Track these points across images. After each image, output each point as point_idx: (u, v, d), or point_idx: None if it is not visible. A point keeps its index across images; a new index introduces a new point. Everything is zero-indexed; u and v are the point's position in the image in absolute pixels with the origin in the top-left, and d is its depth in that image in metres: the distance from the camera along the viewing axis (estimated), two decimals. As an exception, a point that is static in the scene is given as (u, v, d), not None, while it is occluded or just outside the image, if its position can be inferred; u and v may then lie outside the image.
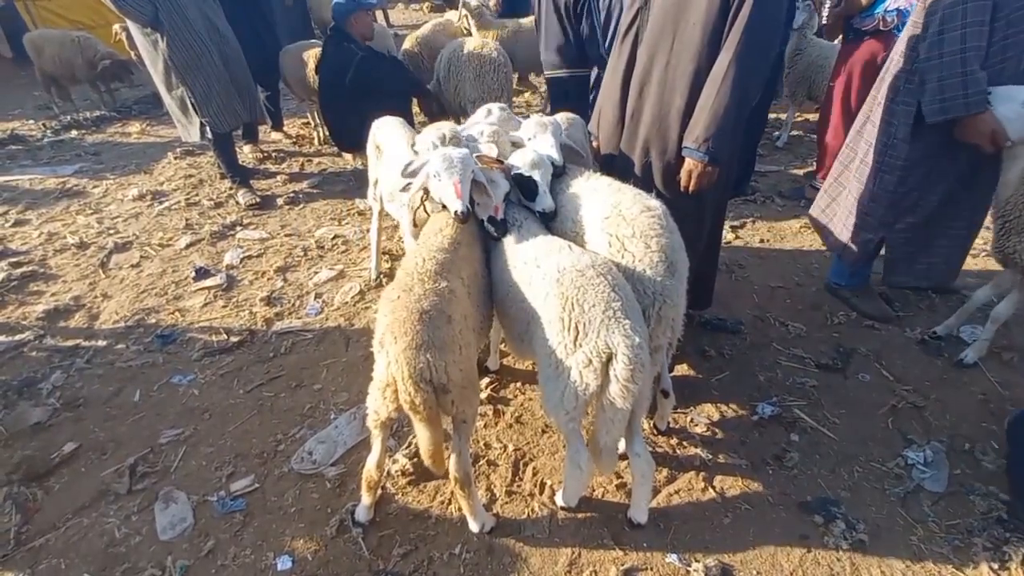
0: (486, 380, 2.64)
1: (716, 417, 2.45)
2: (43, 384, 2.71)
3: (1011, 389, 2.55)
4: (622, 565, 1.87)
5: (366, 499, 1.98)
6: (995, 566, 1.84)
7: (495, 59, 4.24)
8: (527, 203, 2.19)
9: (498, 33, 5.58)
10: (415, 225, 2.34)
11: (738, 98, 2.06)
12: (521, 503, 2.09)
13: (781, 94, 5.26)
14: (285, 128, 6.06)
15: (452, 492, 2.00)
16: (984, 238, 2.84)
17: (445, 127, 2.43)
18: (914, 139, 2.48)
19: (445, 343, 1.61)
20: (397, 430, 2.37)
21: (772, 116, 5.46)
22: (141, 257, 3.83)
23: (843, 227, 2.84)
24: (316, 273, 3.57)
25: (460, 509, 1.98)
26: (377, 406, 1.73)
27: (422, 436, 1.71)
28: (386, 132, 2.94)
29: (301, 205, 4.54)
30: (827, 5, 4.95)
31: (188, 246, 3.93)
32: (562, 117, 2.64)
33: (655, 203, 1.98)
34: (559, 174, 2.26)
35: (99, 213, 4.47)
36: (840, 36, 4.01)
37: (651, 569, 1.86)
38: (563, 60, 4.07)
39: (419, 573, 1.86)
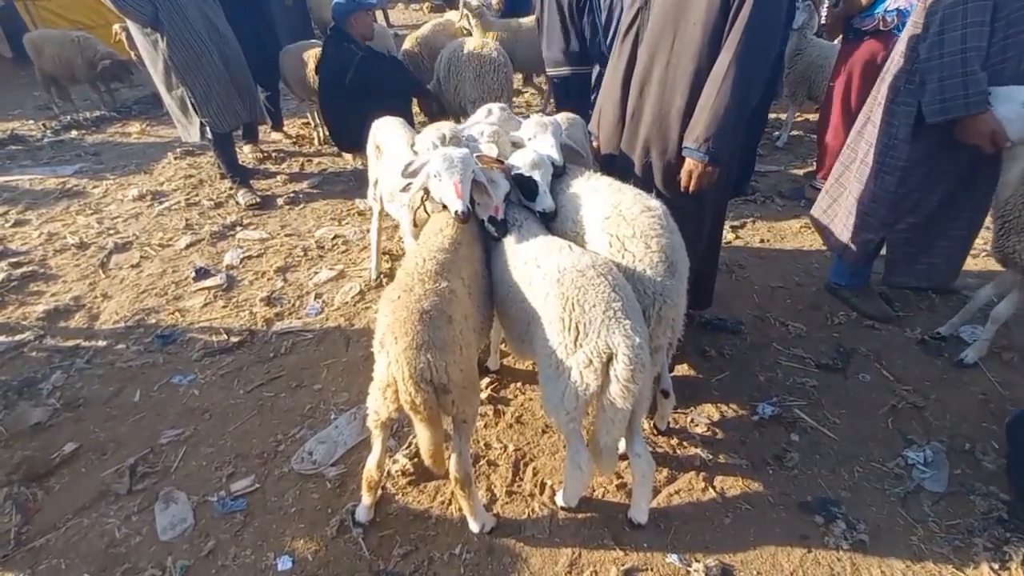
0: (486, 380, 2.64)
1: (716, 417, 2.45)
2: (43, 384, 2.71)
3: (1011, 389, 2.55)
4: (622, 565, 1.87)
5: (366, 499, 1.98)
6: (995, 566, 1.84)
7: (495, 59, 4.24)
8: (527, 203, 2.19)
9: (498, 33, 5.58)
10: (415, 225, 2.34)
11: (738, 98, 2.06)
12: (521, 503, 2.09)
13: (781, 94, 5.26)
14: (285, 128, 6.06)
15: (452, 492, 2.00)
16: (984, 238, 2.84)
17: (445, 127, 2.43)
18: (914, 139, 2.48)
19: (446, 343, 1.61)
20: (397, 430, 2.37)
21: (772, 116, 5.46)
22: (141, 257, 3.83)
23: (844, 227, 2.84)
24: (316, 273, 3.57)
25: (460, 509, 1.98)
26: (377, 406, 1.73)
27: (422, 436, 1.71)
28: (386, 132, 2.94)
29: (301, 205, 4.54)
30: (826, 4, 4.96)
31: (188, 246, 3.93)
32: (562, 117, 2.64)
33: (655, 203, 1.98)
34: (559, 174, 2.26)
35: (99, 213, 4.47)
36: (840, 36, 4.01)
37: (651, 569, 1.86)
38: (565, 58, 4.08)
39: (419, 573, 1.86)
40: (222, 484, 2.20)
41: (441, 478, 2.10)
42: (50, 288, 3.50)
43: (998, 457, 2.22)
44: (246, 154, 5.40)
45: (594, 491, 2.13)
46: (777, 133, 5.59)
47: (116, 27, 6.62)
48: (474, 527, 1.96)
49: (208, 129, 4.26)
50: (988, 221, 2.55)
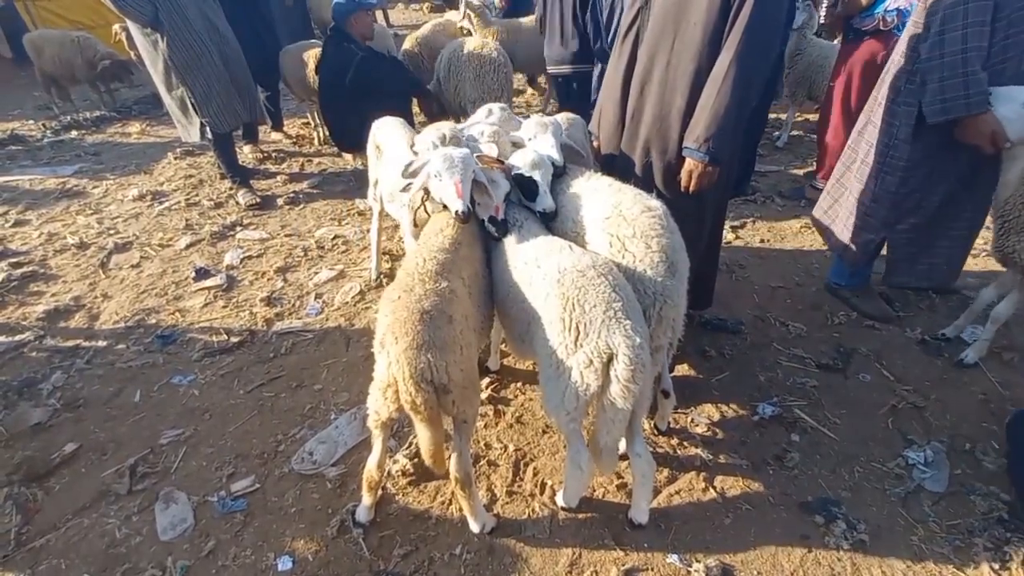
0: (487, 380, 2.64)
1: (717, 417, 2.45)
2: (43, 384, 2.71)
3: (1011, 389, 2.55)
4: (623, 565, 1.87)
5: (367, 499, 1.98)
6: (996, 566, 1.84)
7: (495, 59, 4.24)
8: (527, 203, 2.19)
9: (498, 33, 5.58)
10: (415, 225, 2.34)
11: (739, 98, 2.06)
12: (522, 503, 2.09)
13: (781, 94, 5.26)
14: (285, 128, 6.06)
15: (453, 492, 2.00)
16: (984, 238, 2.84)
17: (445, 127, 2.43)
18: (915, 139, 2.48)
19: (446, 343, 1.61)
20: (398, 430, 2.37)
21: (772, 116, 5.46)
22: (141, 257, 3.82)
23: (845, 228, 2.84)
24: (316, 273, 3.57)
25: (461, 509, 1.98)
26: (378, 406, 1.73)
27: (423, 436, 1.71)
28: (386, 132, 2.94)
29: (301, 205, 4.54)
30: (824, 4, 4.96)
31: (188, 246, 3.93)
32: (562, 117, 2.64)
33: (656, 203, 1.98)
34: (559, 174, 2.26)
35: (99, 213, 4.47)
36: (840, 35, 4.01)
37: (652, 569, 1.86)
38: (567, 57, 4.09)
39: (420, 573, 1.86)
40: (222, 484, 2.20)
41: (441, 478, 2.10)
42: (50, 288, 3.50)
43: (998, 457, 2.22)
44: (246, 154, 5.40)
45: (594, 491, 2.13)
46: (777, 133, 5.59)
47: (116, 27, 6.62)
48: (474, 527, 1.96)
49: (208, 129, 4.26)
50: (988, 221, 2.55)
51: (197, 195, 4.73)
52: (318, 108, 5.09)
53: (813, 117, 5.92)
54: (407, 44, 5.57)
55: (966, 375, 2.64)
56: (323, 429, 2.43)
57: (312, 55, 4.88)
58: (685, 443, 2.32)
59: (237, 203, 4.52)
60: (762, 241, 3.87)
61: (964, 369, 2.66)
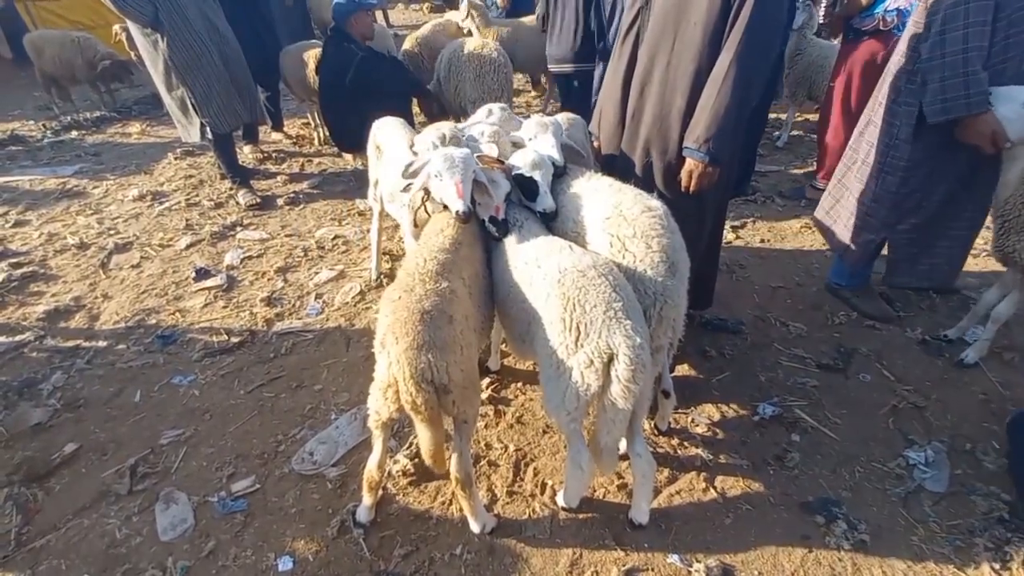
0: (487, 380, 2.64)
1: (717, 417, 2.45)
2: (43, 385, 2.71)
3: (1012, 389, 2.55)
4: (623, 566, 1.86)
5: (367, 500, 1.98)
6: (996, 566, 1.84)
7: (495, 59, 4.24)
8: (528, 203, 2.19)
9: (498, 33, 5.58)
10: (416, 225, 2.33)
11: (739, 98, 2.06)
12: (522, 504, 2.09)
13: (781, 94, 5.26)
14: (285, 128, 6.06)
15: (453, 493, 1.99)
16: (984, 238, 2.84)
17: (445, 127, 2.43)
18: (916, 139, 2.48)
19: (446, 343, 1.61)
20: (398, 430, 2.37)
21: (772, 116, 5.46)
22: (141, 258, 3.82)
23: (845, 228, 2.84)
24: (316, 273, 3.57)
25: (461, 510, 1.98)
26: (378, 406, 1.73)
27: (423, 436, 1.71)
28: (386, 132, 2.94)
29: (301, 205, 4.54)
30: (823, 4, 4.96)
31: (188, 246, 3.93)
32: (563, 117, 2.64)
33: (656, 203, 1.98)
34: (560, 174, 2.26)
35: (99, 214, 4.47)
36: (840, 35, 4.02)
37: (652, 570, 1.86)
38: (569, 55, 4.11)
39: (420, 574, 1.86)
40: (223, 484, 2.20)
41: (442, 478, 2.10)
42: (50, 288, 3.50)
43: (999, 457, 2.22)
44: (246, 154, 5.40)
45: (595, 491, 2.13)
46: (777, 133, 5.59)
47: (116, 27, 6.62)
48: (475, 527, 1.96)
49: (208, 129, 4.26)
50: (988, 221, 2.55)
51: (197, 195, 4.73)
52: (318, 108, 5.09)
53: (813, 117, 5.93)
54: (407, 44, 5.57)
55: (967, 375, 2.64)
56: (323, 429, 2.43)
57: (312, 55, 4.88)
58: (685, 443, 2.32)
59: (237, 203, 4.52)
60: (762, 241, 3.87)
61: (965, 369, 2.66)
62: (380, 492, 2.02)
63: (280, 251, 3.86)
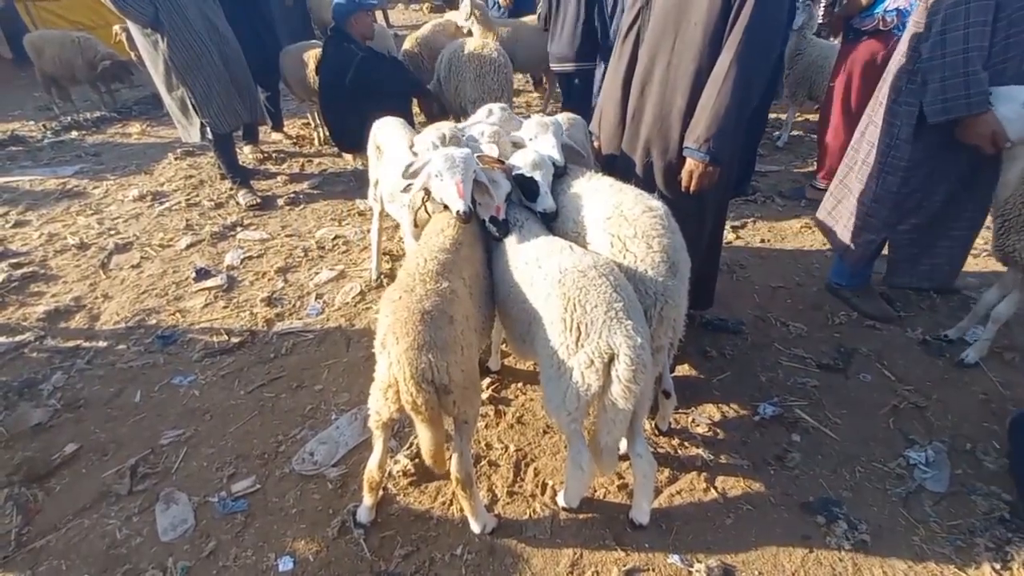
0: (487, 381, 2.64)
1: (717, 417, 2.45)
2: (44, 385, 2.71)
3: (1012, 389, 2.55)
4: (624, 566, 1.86)
5: (368, 500, 1.98)
6: (997, 566, 1.84)
7: (495, 59, 4.24)
8: (528, 203, 2.19)
9: (498, 33, 5.58)
10: (416, 226, 2.33)
11: (739, 98, 2.06)
12: (523, 504, 2.09)
13: (781, 94, 5.26)
14: (285, 129, 6.06)
15: (454, 493, 1.99)
16: (984, 238, 2.84)
17: (445, 127, 2.43)
18: (916, 139, 2.49)
19: (447, 344, 1.61)
20: (399, 431, 2.37)
21: (772, 116, 5.47)
22: (142, 258, 3.82)
23: (846, 228, 2.84)
24: (317, 274, 3.57)
25: (462, 510, 1.98)
26: (379, 407, 1.73)
27: (424, 437, 1.71)
28: (387, 133, 2.94)
29: (301, 206, 4.54)
30: (822, 3, 4.96)
31: (189, 247, 3.93)
32: (563, 117, 2.64)
33: (657, 203, 1.98)
34: (560, 174, 2.26)
35: (99, 214, 4.47)
36: (839, 35, 4.02)
37: (653, 570, 1.86)
38: (571, 53, 4.13)
39: (421, 574, 1.86)
40: (223, 485, 2.20)
41: (442, 479, 2.10)
42: (50, 289, 3.50)
43: (999, 457, 2.22)
44: (246, 155, 5.40)
45: (595, 492, 2.13)
46: (777, 133, 5.59)
47: (116, 28, 6.62)
48: (475, 528, 1.96)
49: (208, 130, 4.25)
50: (988, 220, 2.55)
51: (197, 195, 4.73)
52: (318, 108, 5.09)
53: (813, 117, 5.93)
54: (407, 44, 5.57)
55: (967, 375, 2.64)
56: (324, 429, 2.43)
57: (312, 55, 4.88)
58: (686, 443, 2.32)
59: (237, 203, 4.52)
60: (763, 241, 3.87)
61: (965, 369, 2.66)
62: (381, 492, 2.02)
63: (280, 251, 3.86)
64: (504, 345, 2.65)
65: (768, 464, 2.23)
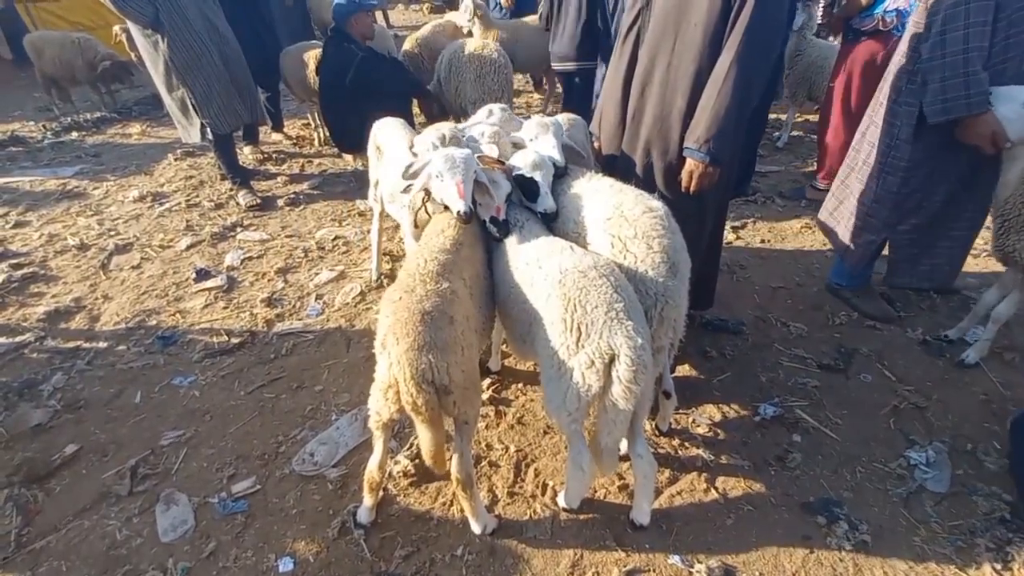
0: (488, 381, 2.64)
1: (718, 418, 2.45)
2: (44, 386, 2.71)
3: (1013, 389, 2.55)
4: (624, 567, 1.86)
5: (368, 500, 1.98)
6: (998, 567, 1.84)
7: (495, 60, 4.25)
8: (529, 204, 2.19)
9: (498, 33, 5.58)
10: (416, 226, 2.33)
11: (739, 99, 2.06)
12: (523, 504, 2.09)
13: (781, 95, 5.27)
14: (285, 129, 6.06)
15: (454, 493, 1.99)
16: (984, 238, 2.84)
17: (445, 128, 2.43)
18: (916, 140, 2.49)
19: (447, 344, 1.61)
20: (399, 431, 2.37)
21: (772, 117, 5.47)
22: (142, 258, 3.82)
23: (847, 229, 2.84)
24: (317, 274, 3.57)
25: (462, 510, 1.98)
26: (379, 407, 1.73)
27: (424, 437, 1.70)
28: (387, 133, 2.94)
29: (302, 206, 4.54)
30: (820, 3, 4.97)
31: (189, 247, 3.93)
32: (563, 118, 2.64)
33: (657, 204, 1.98)
34: (560, 175, 2.26)
35: (100, 215, 4.47)
36: (838, 35, 4.02)
37: (654, 571, 1.86)
38: (572, 52, 4.15)
39: (421, 575, 1.86)
40: (223, 485, 2.20)
41: (443, 479, 2.10)
42: (51, 289, 3.50)
43: (1000, 457, 2.22)
44: (246, 155, 5.40)
45: (596, 492, 2.12)
46: (777, 134, 5.59)
47: (116, 28, 6.62)
48: (476, 528, 1.95)
49: (208, 130, 4.26)
50: (988, 220, 2.55)
51: (198, 196, 4.73)
52: (318, 109, 5.09)
53: (813, 118, 5.93)
54: (407, 45, 5.57)
55: (967, 375, 2.64)
56: (324, 430, 2.43)
57: (312, 56, 4.88)
58: (686, 444, 2.32)
59: (237, 204, 4.52)
60: (763, 241, 3.87)
61: (965, 369, 2.66)
62: (381, 493, 2.02)
63: (280, 252, 3.86)
64: (504, 346, 2.65)
65: (769, 464, 2.23)
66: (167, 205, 4.57)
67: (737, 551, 1.91)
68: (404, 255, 3.50)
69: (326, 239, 3.99)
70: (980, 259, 3.42)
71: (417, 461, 2.21)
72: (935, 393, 2.54)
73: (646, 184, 2.35)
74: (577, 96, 4.53)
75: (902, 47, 2.53)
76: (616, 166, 2.51)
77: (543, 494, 2.12)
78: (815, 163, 4.67)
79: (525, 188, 2.16)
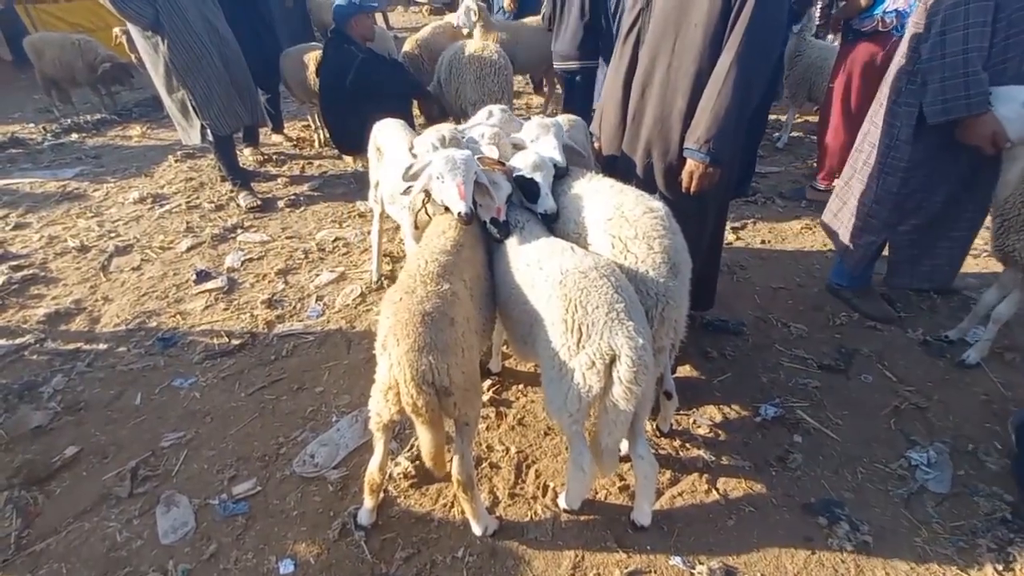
0: (488, 382, 2.64)
1: (719, 418, 2.45)
2: (44, 388, 2.70)
3: (1013, 389, 2.55)
4: (626, 568, 1.86)
5: (368, 502, 1.97)
6: (999, 567, 1.84)
7: (495, 61, 4.25)
8: (529, 205, 2.19)
9: (499, 35, 5.58)
10: (417, 227, 2.33)
11: (739, 99, 2.06)
12: (524, 506, 2.09)
13: (781, 95, 5.27)
14: (285, 131, 6.06)
15: (455, 495, 1.99)
16: (984, 238, 2.84)
17: (445, 129, 2.43)
18: (916, 140, 2.49)
19: (448, 345, 1.61)
20: (399, 432, 2.37)
21: (772, 117, 5.47)
22: (142, 260, 3.82)
23: (847, 229, 2.85)
24: (317, 275, 3.57)
25: (463, 512, 1.97)
26: (379, 408, 1.73)
27: (424, 438, 1.70)
28: (387, 134, 2.94)
29: (302, 208, 4.54)
30: (819, 5, 4.97)
31: (189, 249, 3.93)
32: (564, 119, 2.64)
33: (658, 204, 1.98)
34: (561, 175, 2.26)
35: (100, 216, 4.47)
36: (838, 34, 4.03)
37: (655, 572, 1.86)
38: (574, 52, 4.17)
39: (422, 576, 1.86)
40: (223, 487, 2.19)
41: (443, 481, 2.10)
42: (51, 291, 3.50)
43: (1001, 458, 2.22)
44: (247, 157, 5.40)
45: (597, 493, 2.12)
46: (777, 134, 5.59)
47: (116, 30, 6.63)
48: (476, 530, 1.95)
49: (209, 132, 4.26)
50: (988, 220, 2.55)
51: (198, 198, 4.73)
52: (318, 110, 5.10)
53: (813, 118, 5.94)
54: (407, 46, 5.58)
55: (968, 376, 2.64)
56: (324, 431, 2.42)
57: (312, 57, 4.89)
58: (687, 444, 2.32)
59: (238, 205, 4.52)
60: (763, 242, 3.87)
61: (966, 370, 2.66)
62: (381, 494, 2.02)
63: (281, 253, 3.86)
64: (505, 347, 2.65)
65: (770, 465, 2.23)
66: (167, 207, 4.57)
67: (738, 552, 1.91)
68: (404, 256, 3.50)
69: (326, 240, 3.99)
70: (980, 259, 3.42)
71: (418, 463, 2.20)
72: (936, 393, 2.54)
73: (647, 185, 2.35)
74: (578, 96, 4.54)
75: (902, 48, 2.53)
76: (616, 167, 2.51)
77: (544, 495, 2.11)
78: (815, 164, 4.67)
79: (526, 189, 2.16)
